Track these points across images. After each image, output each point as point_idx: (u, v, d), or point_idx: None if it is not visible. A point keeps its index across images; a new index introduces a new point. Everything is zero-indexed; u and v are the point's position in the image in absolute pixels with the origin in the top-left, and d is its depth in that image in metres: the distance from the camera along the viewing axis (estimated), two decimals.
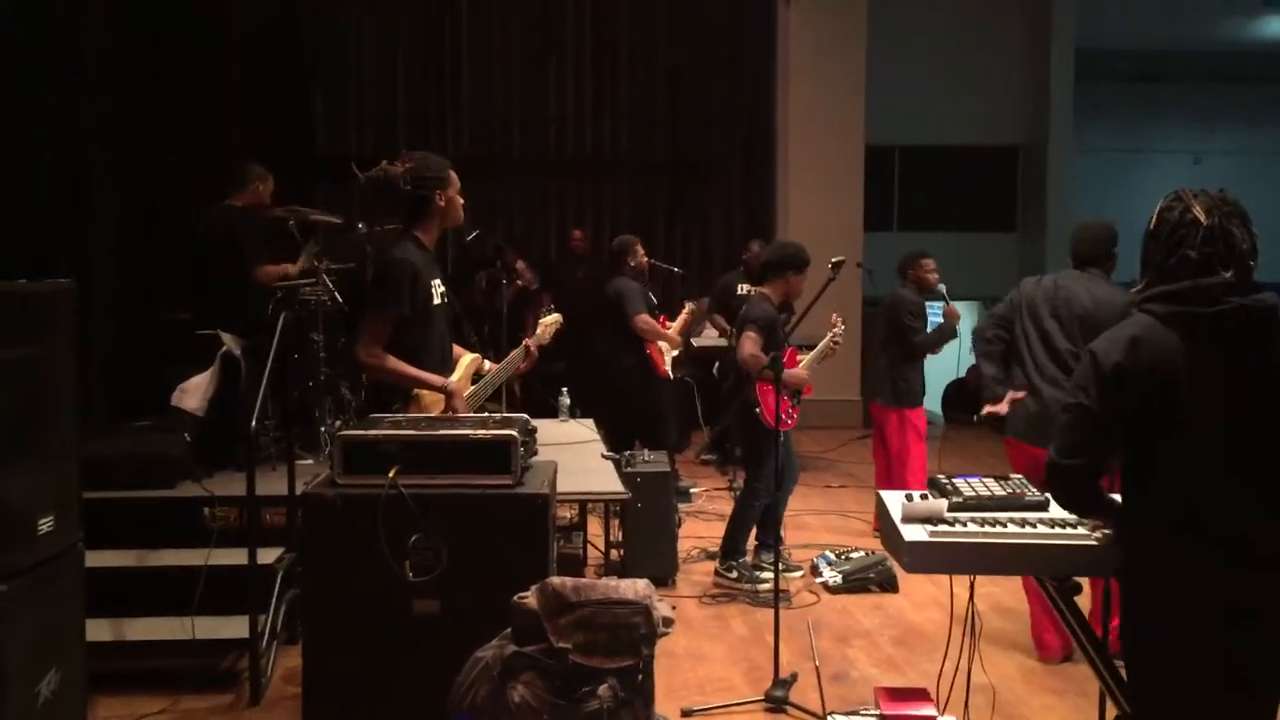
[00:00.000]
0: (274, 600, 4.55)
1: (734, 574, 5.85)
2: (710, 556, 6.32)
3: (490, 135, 11.22)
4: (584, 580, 2.78)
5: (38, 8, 6.59)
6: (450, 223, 4.05)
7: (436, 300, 3.94)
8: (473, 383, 4.17)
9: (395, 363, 3.78)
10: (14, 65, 6.44)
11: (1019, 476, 3.24)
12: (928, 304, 6.96)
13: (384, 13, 11.01)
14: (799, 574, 5.98)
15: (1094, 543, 2.81)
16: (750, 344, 5.60)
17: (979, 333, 5.11)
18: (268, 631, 4.44)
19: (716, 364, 8.76)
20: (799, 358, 6.09)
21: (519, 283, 9.64)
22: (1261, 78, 16.13)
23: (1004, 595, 5.54)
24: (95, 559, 3.75)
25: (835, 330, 6.11)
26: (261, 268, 5.87)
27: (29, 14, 6.52)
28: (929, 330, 6.81)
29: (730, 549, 5.92)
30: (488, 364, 4.33)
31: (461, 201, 4.04)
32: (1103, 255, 4.67)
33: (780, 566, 5.80)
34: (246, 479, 4.41)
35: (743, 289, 8.60)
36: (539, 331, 4.64)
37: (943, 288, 6.85)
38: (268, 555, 4.60)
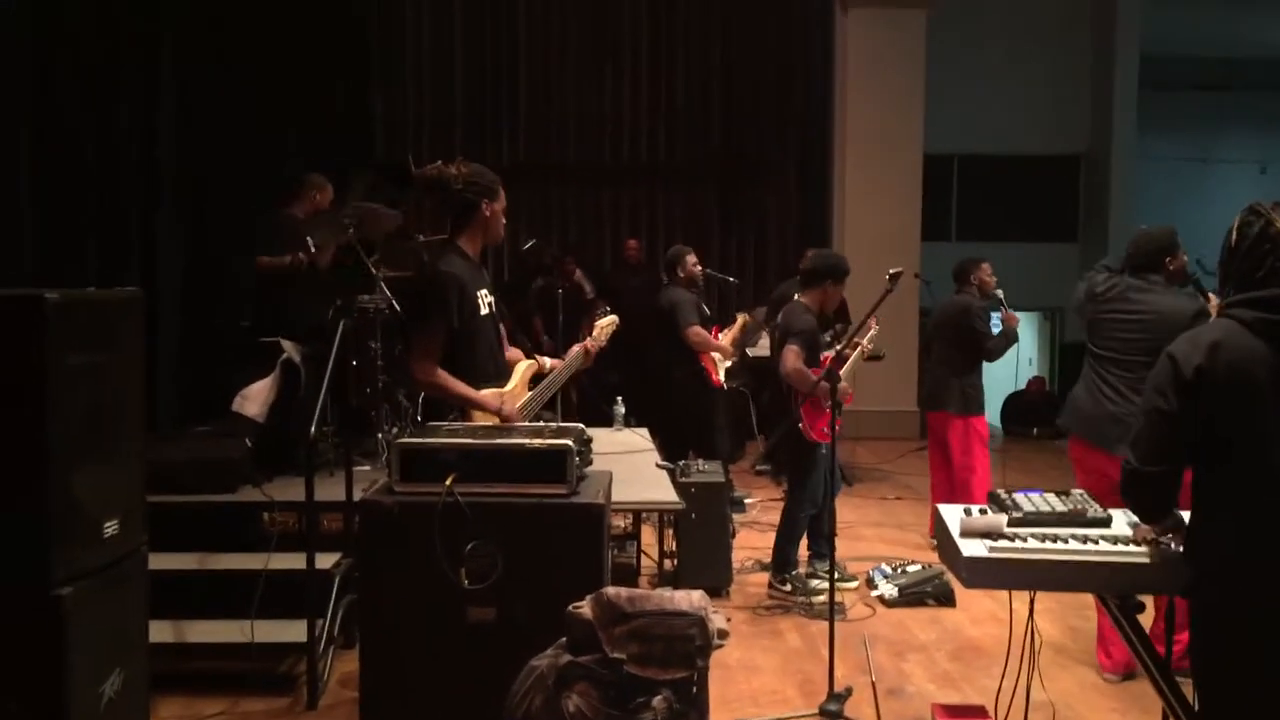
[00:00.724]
0: (331, 605, 4.59)
1: (787, 586, 5.83)
2: (765, 568, 6.29)
3: (546, 142, 11.27)
4: (639, 591, 2.78)
5: (111, 19, 6.75)
6: (491, 239, 4.08)
7: (484, 310, 3.96)
8: (530, 387, 4.18)
9: (450, 381, 3.80)
10: (88, 77, 6.59)
11: (1080, 491, 3.19)
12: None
13: (441, 18, 11.10)
14: (854, 584, 5.94)
15: (1156, 560, 2.76)
16: (793, 357, 5.58)
17: None
18: (325, 636, 4.48)
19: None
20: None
21: (575, 289, 9.67)
22: None
23: (1065, 611, 5.46)
24: (158, 561, 3.81)
25: (870, 332, 6.09)
26: (259, 258, 6.02)
27: (103, 26, 6.67)
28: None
29: (781, 562, 5.89)
30: (548, 361, 4.34)
31: (504, 221, 4.08)
32: (1158, 263, 4.58)
33: (835, 576, 5.79)
34: (305, 484, 4.46)
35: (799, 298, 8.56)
36: (595, 333, 4.63)
37: (1000, 293, 6.78)
38: (326, 560, 4.65)
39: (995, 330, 6.79)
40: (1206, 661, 2.54)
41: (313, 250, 6.04)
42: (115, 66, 6.81)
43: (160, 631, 4.23)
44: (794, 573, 5.86)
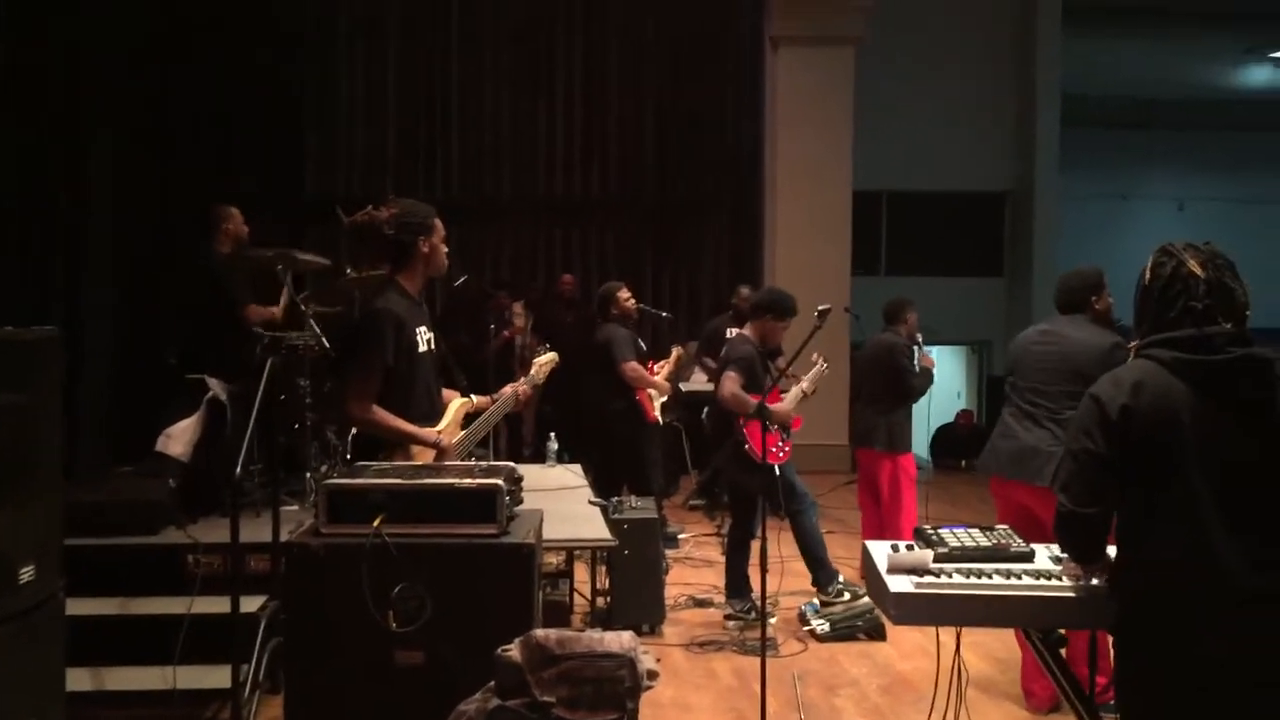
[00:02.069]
0: (257, 650, 4.49)
1: (847, 595, 5.95)
2: (698, 603, 6.30)
3: (480, 178, 11.27)
4: (568, 633, 2.76)
5: (39, 55, 6.64)
6: (434, 271, 4.03)
7: (423, 348, 3.93)
8: (463, 427, 4.16)
9: (386, 417, 3.77)
10: (10, 111, 6.47)
11: (1004, 527, 3.23)
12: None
13: (374, 55, 11.09)
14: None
15: (1080, 595, 2.81)
16: (730, 383, 5.68)
17: None
18: (250, 682, 4.38)
19: (705, 409, 8.77)
20: (782, 395, 6.15)
21: (506, 333, 9.64)
22: (1244, 125, 16.33)
23: (993, 644, 5.52)
24: (76, 607, 3.73)
25: (816, 368, 6.31)
26: (250, 306, 5.89)
27: (27, 59, 6.56)
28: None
29: (826, 576, 6.04)
30: (479, 399, 4.30)
31: (445, 250, 4.04)
32: (1084, 301, 4.68)
33: (751, 610, 5.83)
34: (231, 525, 4.38)
35: (731, 333, 8.63)
36: (534, 370, 4.62)
37: (919, 336, 6.93)
38: (251, 603, 4.55)
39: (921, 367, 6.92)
40: (1130, 695, 2.58)
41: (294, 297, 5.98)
42: (41, 96, 6.68)
43: (78, 679, 4.12)
44: (842, 580, 6.05)
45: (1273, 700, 2.45)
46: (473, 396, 4.29)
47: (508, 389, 4.32)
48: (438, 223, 4.00)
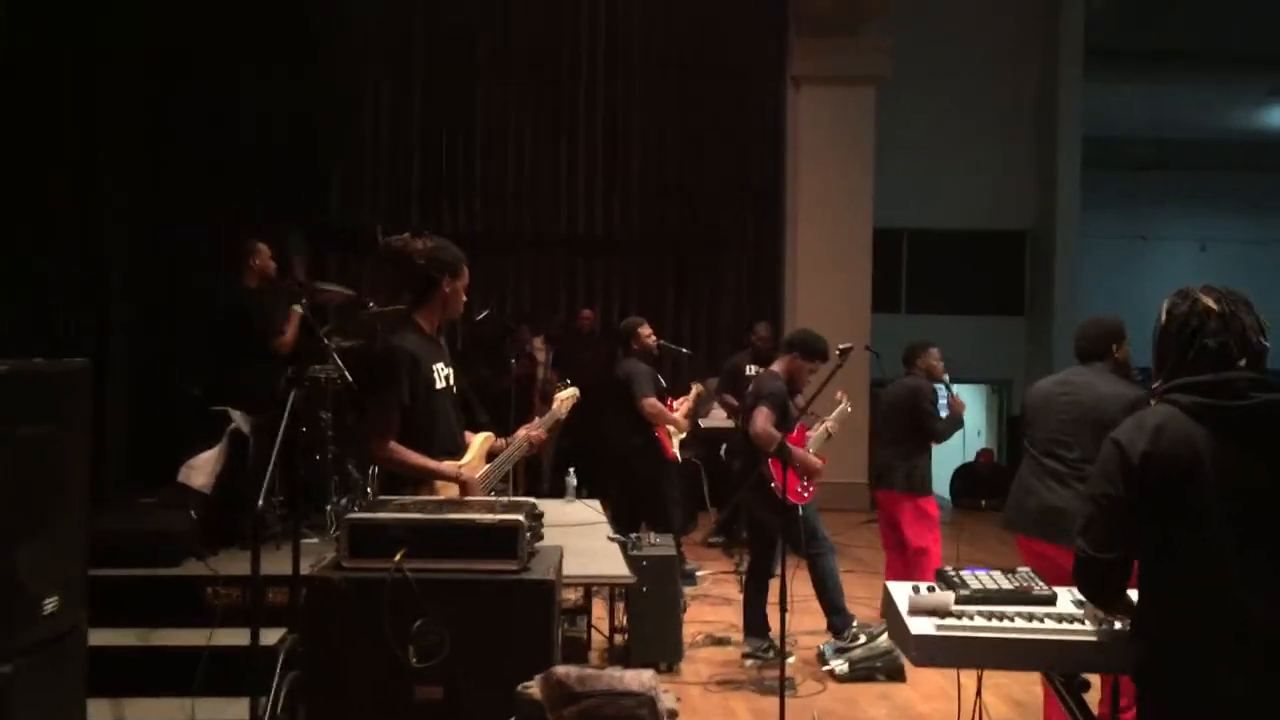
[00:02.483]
0: (275, 683, 4.49)
1: (863, 637, 5.88)
2: (716, 642, 6.27)
3: (502, 212, 11.35)
4: (589, 670, 2.76)
5: (52, 85, 6.73)
6: (450, 313, 4.07)
7: (441, 385, 3.95)
8: (486, 461, 4.17)
9: (407, 455, 3.79)
10: (30, 145, 6.56)
11: (1027, 569, 3.21)
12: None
13: (398, 88, 11.21)
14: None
15: (1102, 639, 2.79)
16: (763, 419, 5.67)
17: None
18: (268, 715, 4.37)
19: (724, 445, 8.76)
20: (808, 434, 6.15)
21: (529, 360, 9.68)
22: (1266, 166, 16.32)
23: (1013, 686, 5.47)
24: (97, 637, 3.74)
25: (840, 407, 6.34)
26: (280, 338, 5.94)
27: (42, 92, 6.65)
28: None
29: (842, 622, 5.97)
30: (501, 440, 4.31)
31: (464, 298, 4.07)
32: (1105, 350, 4.65)
33: (770, 648, 5.80)
34: (251, 558, 4.39)
35: (751, 370, 8.63)
36: (555, 405, 4.63)
37: (946, 377, 6.88)
38: (270, 636, 4.55)
39: (944, 413, 6.88)
40: None
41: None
42: (58, 115, 6.75)
43: (98, 710, 4.13)
44: (856, 624, 5.99)
45: None
46: (495, 436, 4.30)
47: (520, 432, 4.27)
48: (465, 269, 4.03)
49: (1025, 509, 4.63)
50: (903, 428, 6.75)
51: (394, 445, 3.78)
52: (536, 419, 4.47)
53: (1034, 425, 4.68)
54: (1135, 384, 4.51)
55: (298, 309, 5.95)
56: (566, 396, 4.68)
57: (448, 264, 3.96)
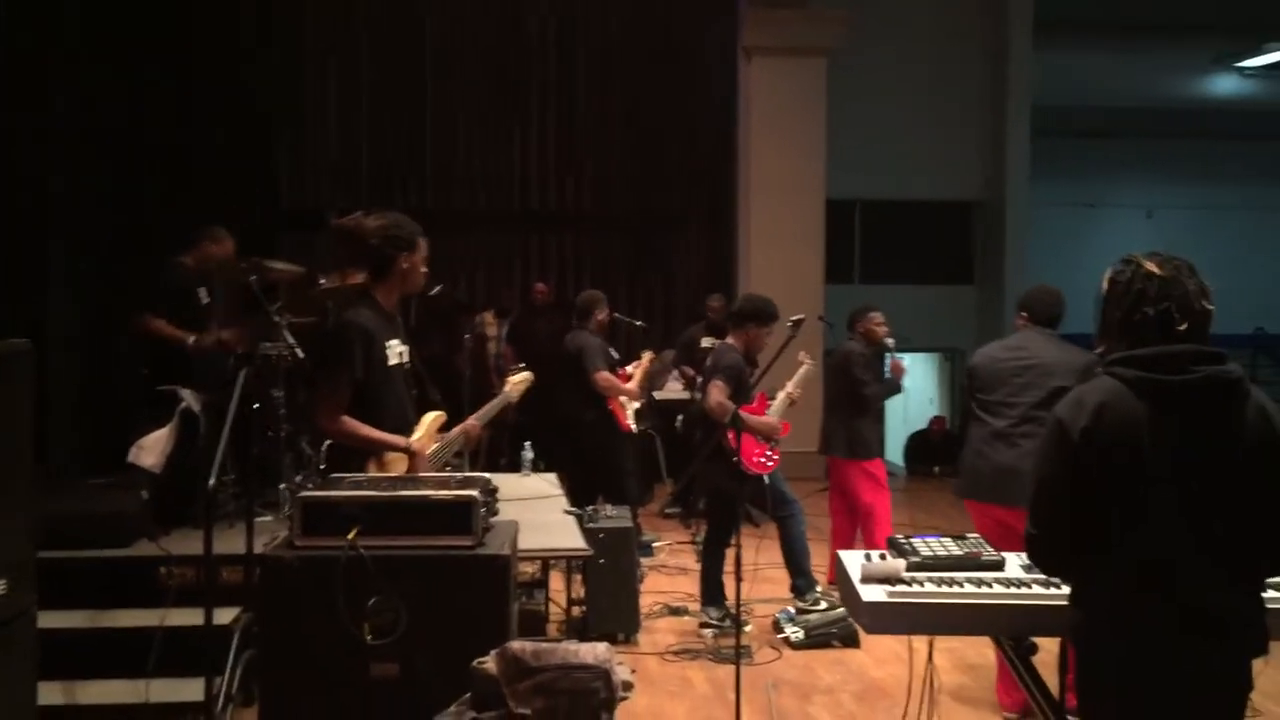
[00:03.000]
0: (230, 662, 4.48)
1: (822, 605, 5.98)
2: (673, 612, 6.31)
3: (453, 189, 11.28)
4: (544, 644, 2.77)
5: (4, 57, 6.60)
6: (409, 289, 4.05)
7: (394, 361, 3.94)
8: (439, 435, 4.16)
9: (357, 426, 3.78)
10: None
11: (976, 536, 3.27)
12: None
13: (348, 66, 11.09)
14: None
15: (1050, 602, 2.84)
16: (717, 392, 5.69)
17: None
18: (224, 694, 4.36)
19: (679, 417, 8.79)
20: (769, 402, 6.19)
21: (482, 337, 9.64)
22: (1212, 133, 16.53)
23: (966, 651, 5.56)
24: (47, 620, 3.70)
25: (803, 369, 6.40)
26: (148, 317, 5.89)
27: None
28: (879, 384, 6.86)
29: (806, 584, 6.10)
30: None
31: (424, 270, 4.04)
32: (1057, 317, 4.72)
33: (725, 618, 5.86)
34: (204, 537, 4.36)
35: (706, 342, 8.66)
36: (508, 388, 4.63)
37: (890, 341, 6.91)
38: (224, 615, 4.54)
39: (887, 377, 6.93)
40: (1087, 702, 2.61)
41: (204, 300, 5.97)
42: (4, 112, 6.63)
43: (50, 693, 4.09)
44: (818, 590, 6.11)
45: (1225, 714, 2.51)
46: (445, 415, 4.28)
47: (455, 430, 4.22)
48: (422, 242, 4.00)
49: (977, 473, 4.69)
50: (839, 393, 6.83)
51: (344, 418, 3.77)
52: (485, 407, 4.45)
53: (984, 390, 4.72)
54: (1084, 350, 4.57)
55: (190, 339, 5.93)
56: (519, 380, 4.68)
57: (403, 239, 3.94)
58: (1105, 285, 2.66)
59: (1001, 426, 4.60)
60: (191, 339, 6.00)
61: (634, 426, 7.60)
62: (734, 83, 11.46)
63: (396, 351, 3.97)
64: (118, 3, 7.70)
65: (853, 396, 6.73)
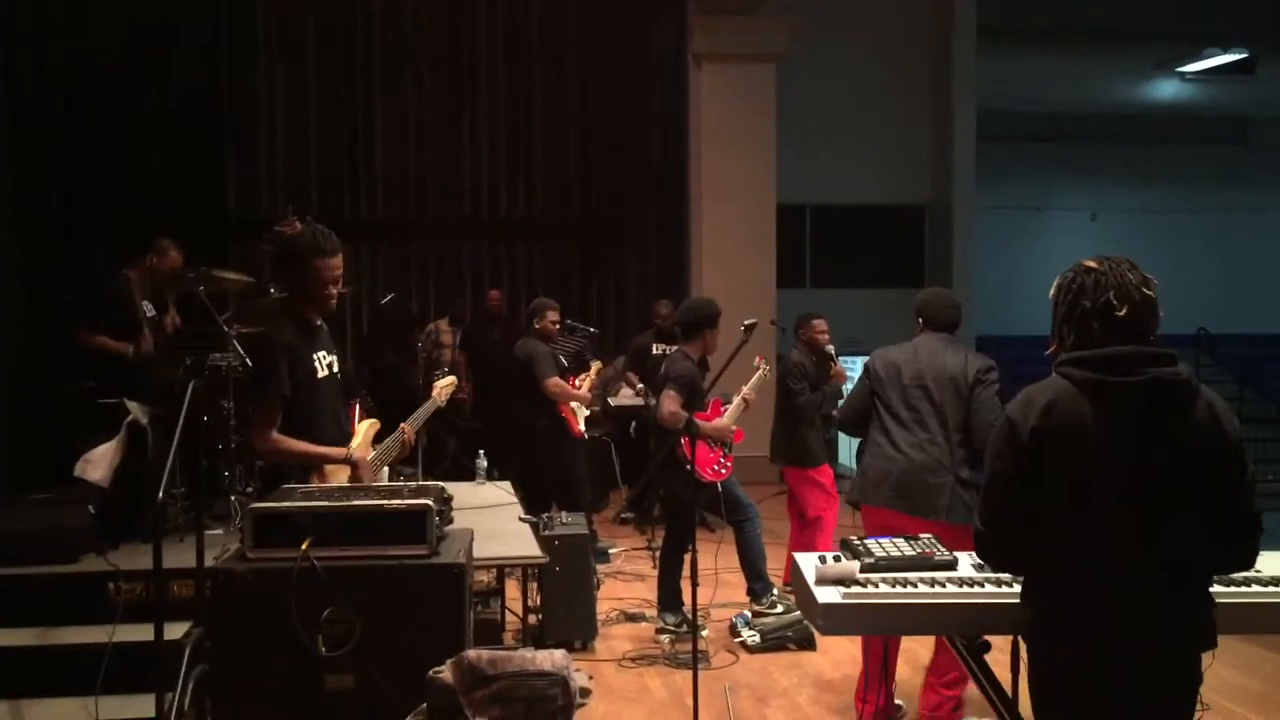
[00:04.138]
0: (182, 678, 4.41)
1: (779, 608, 6.02)
2: (630, 618, 6.31)
3: (404, 197, 11.22)
4: (500, 652, 2.77)
5: None
6: (314, 300, 3.86)
7: (323, 373, 3.90)
8: (374, 445, 4.14)
9: (292, 444, 3.74)
10: None
11: (929, 536, 3.30)
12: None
13: (296, 74, 10.99)
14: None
15: (1002, 600, 2.88)
16: (670, 402, 5.68)
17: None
18: (175, 711, 4.29)
19: (634, 423, 8.79)
20: (722, 408, 6.21)
21: (435, 345, 9.61)
22: (1153, 138, 16.82)
23: (920, 650, 5.58)
24: None
25: (758, 374, 6.42)
26: (87, 332, 5.83)
27: None
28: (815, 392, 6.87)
29: (762, 588, 6.14)
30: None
31: (330, 289, 3.84)
32: (956, 321, 4.74)
33: (681, 623, 5.87)
34: (153, 551, 4.28)
35: (657, 349, 8.67)
36: (435, 393, 4.61)
37: (830, 349, 6.95)
38: (175, 630, 4.47)
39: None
40: (1040, 698, 2.65)
41: (149, 314, 5.90)
42: None
43: None
44: (774, 593, 6.14)
45: (1175, 709, 2.55)
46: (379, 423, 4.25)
47: (388, 440, 4.18)
48: (326, 257, 3.80)
49: (873, 475, 4.56)
50: (781, 402, 6.86)
51: (276, 436, 3.73)
52: (415, 412, 4.42)
53: (885, 388, 4.61)
54: (980, 355, 4.56)
55: (130, 350, 5.89)
56: (445, 385, 4.68)
57: (305, 249, 3.81)
58: (1053, 290, 2.71)
59: (894, 431, 4.55)
60: (130, 349, 5.92)
61: (585, 432, 7.59)
62: (684, 89, 11.49)
63: (325, 363, 3.92)
64: (61, 5, 7.58)
65: (789, 406, 6.77)
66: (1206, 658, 2.58)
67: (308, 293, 3.86)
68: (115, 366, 5.84)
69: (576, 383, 7.53)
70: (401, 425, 4.23)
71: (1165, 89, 15.55)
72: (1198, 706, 2.59)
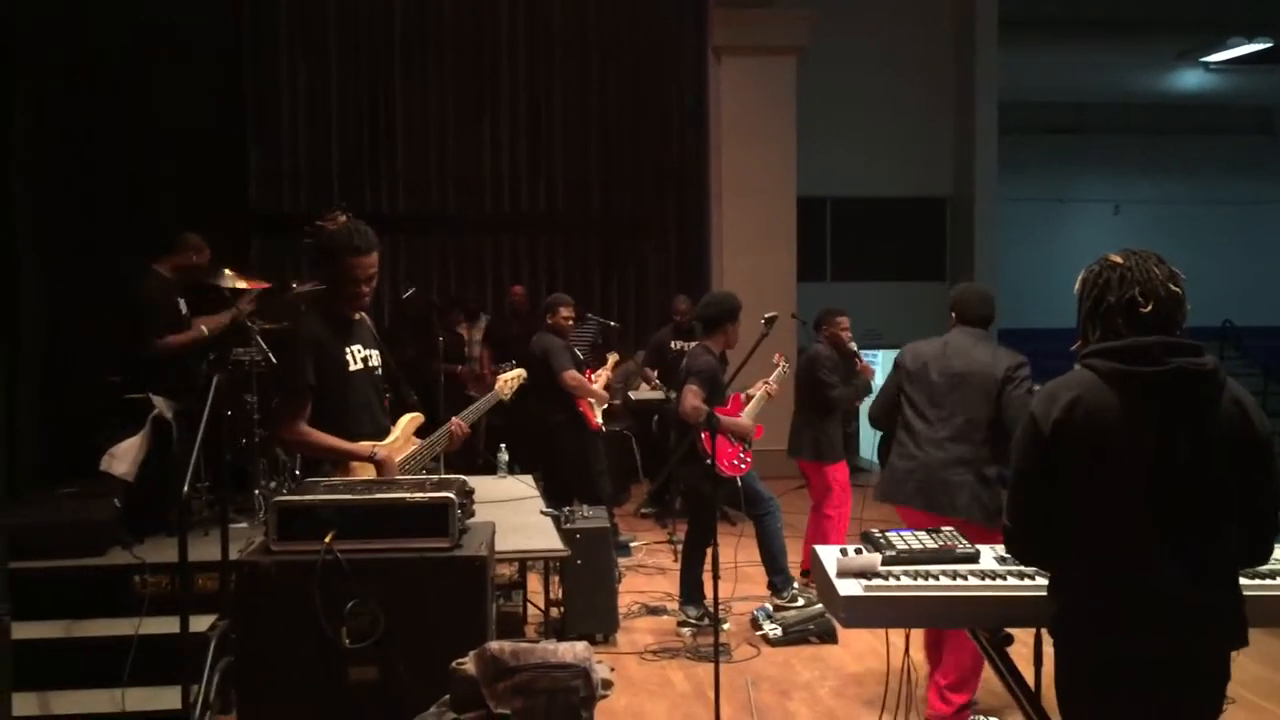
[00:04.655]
0: (207, 670, 4.46)
1: (800, 601, 6.02)
2: (651, 611, 6.32)
3: (425, 193, 11.24)
4: (523, 644, 2.78)
5: None
6: (348, 295, 3.89)
7: (355, 366, 3.90)
8: (418, 438, 4.13)
9: (318, 436, 3.76)
10: None
11: (950, 529, 3.29)
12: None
13: (318, 70, 11.03)
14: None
15: (1025, 593, 2.87)
16: (692, 396, 5.69)
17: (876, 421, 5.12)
18: (201, 702, 4.34)
19: (655, 417, 8.81)
20: (744, 404, 6.21)
21: (458, 339, 9.64)
22: (1177, 129, 16.69)
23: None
24: (22, 630, 3.68)
25: (778, 369, 6.43)
26: (159, 339, 5.77)
27: None
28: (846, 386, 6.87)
29: (783, 581, 6.14)
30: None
31: (362, 286, 3.87)
32: (990, 317, 4.70)
33: (704, 616, 5.88)
34: (179, 545, 4.34)
35: (675, 345, 8.68)
36: (499, 386, 4.60)
37: (854, 345, 6.94)
38: (200, 623, 4.52)
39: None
40: (1065, 692, 2.64)
41: (184, 312, 5.91)
42: None
43: (25, 704, 4.06)
44: (795, 587, 6.16)
45: (1200, 706, 2.54)
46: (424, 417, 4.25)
47: (441, 430, 4.18)
48: (364, 255, 3.84)
49: (901, 474, 4.61)
50: (806, 396, 6.85)
51: (302, 428, 3.74)
52: (473, 405, 4.43)
53: (912, 386, 4.63)
54: (1011, 352, 4.51)
55: (204, 329, 5.86)
56: (511, 378, 4.65)
57: (341, 245, 3.83)
58: (1078, 284, 2.69)
59: (917, 427, 4.57)
60: (204, 329, 5.90)
61: (604, 426, 7.61)
62: (704, 83, 11.47)
63: (359, 356, 3.93)
64: (81, 4, 7.62)
65: (820, 399, 6.75)
66: (1235, 654, 2.56)
67: (340, 288, 3.90)
68: (141, 361, 5.86)
69: (593, 376, 7.54)
70: (453, 419, 4.21)
71: (1189, 79, 15.43)
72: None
